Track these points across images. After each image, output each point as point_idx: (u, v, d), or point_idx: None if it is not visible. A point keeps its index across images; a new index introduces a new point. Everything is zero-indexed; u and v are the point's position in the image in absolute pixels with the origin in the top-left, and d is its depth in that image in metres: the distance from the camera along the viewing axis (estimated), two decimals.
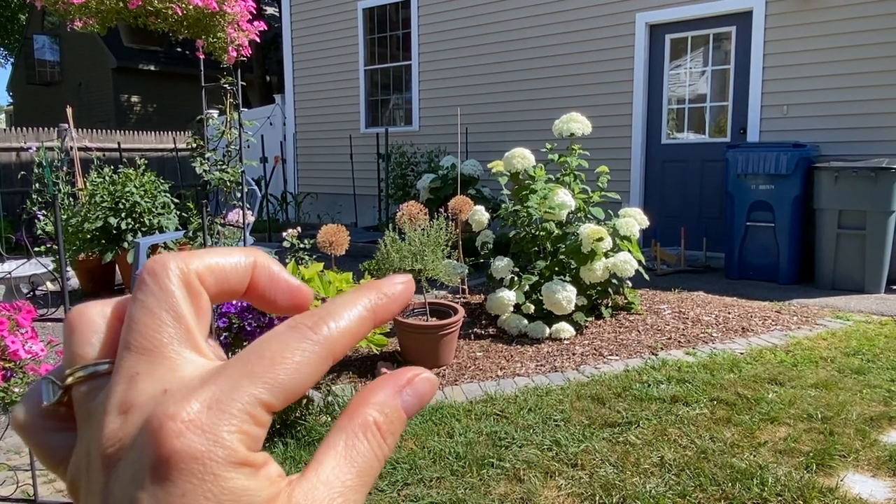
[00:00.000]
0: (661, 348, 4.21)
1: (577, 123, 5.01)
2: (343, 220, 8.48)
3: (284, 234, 4.49)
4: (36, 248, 5.92)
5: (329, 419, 3.31)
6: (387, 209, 9.03)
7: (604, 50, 7.54)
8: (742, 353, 4.06)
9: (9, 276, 3.04)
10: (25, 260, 4.16)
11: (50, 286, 5.90)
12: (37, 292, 5.73)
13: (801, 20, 6.36)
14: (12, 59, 27.30)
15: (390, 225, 4.47)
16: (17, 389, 2.28)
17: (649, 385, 3.58)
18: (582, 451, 2.90)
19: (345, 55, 10.17)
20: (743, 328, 4.55)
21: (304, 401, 3.38)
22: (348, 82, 10.18)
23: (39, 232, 6.22)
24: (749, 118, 6.71)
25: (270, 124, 11.42)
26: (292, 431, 3.18)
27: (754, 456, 2.81)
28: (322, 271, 3.35)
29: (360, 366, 4.12)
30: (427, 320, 4.12)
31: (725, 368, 3.78)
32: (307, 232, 5.30)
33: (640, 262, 4.72)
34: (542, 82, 8.04)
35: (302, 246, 4.41)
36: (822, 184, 5.59)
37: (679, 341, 4.33)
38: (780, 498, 2.50)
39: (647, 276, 5.17)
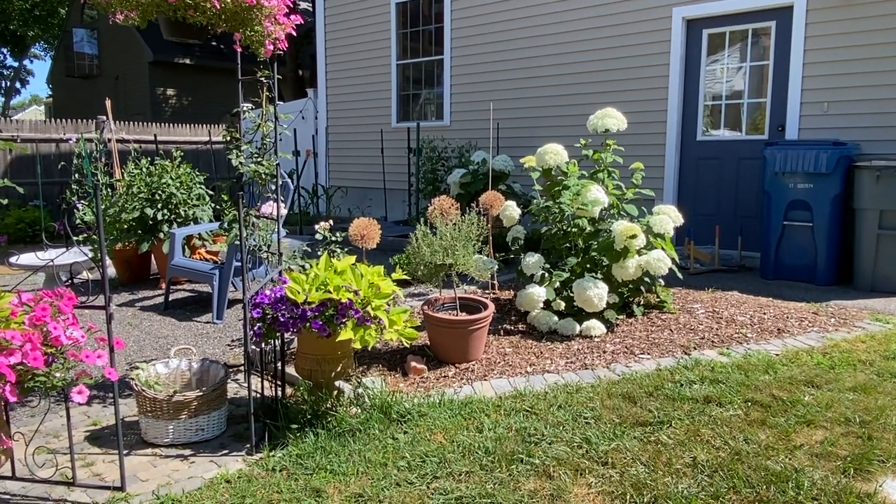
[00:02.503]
0: (694, 348, 4.15)
1: (613, 119, 4.96)
2: (373, 214, 8.53)
3: (316, 226, 4.53)
4: (75, 238, 6.05)
5: (359, 410, 3.33)
6: (417, 204, 9.05)
7: (639, 45, 7.44)
8: (777, 355, 3.98)
9: (51, 263, 3.11)
10: (65, 249, 4.26)
11: (87, 274, 6.03)
12: (75, 280, 5.86)
13: (843, 15, 6.20)
14: (52, 53, 27.93)
15: (421, 219, 4.48)
16: (58, 374, 2.34)
17: (682, 385, 3.54)
18: (612, 449, 2.88)
19: (377, 50, 10.20)
20: (778, 329, 4.47)
21: (336, 392, 3.41)
22: (380, 77, 10.22)
23: (78, 221, 6.36)
24: (788, 115, 6.58)
25: (303, 118, 11.52)
26: (323, 422, 3.21)
27: (790, 459, 2.75)
28: (354, 264, 3.37)
29: (389, 359, 4.14)
30: (457, 315, 4.12)
31: (760, 369, 3.72)
32: (338, 225, 5.34)
33: (673, 260, 4.66)
34: (576, 77, 7.97)
35: (334, 239, 4.45)
36: (862, 183, 5.46)
37: (712, 341, 4.27)
38: (816, 502, 2.46)
39: (680, 275, 5.10)
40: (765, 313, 4.78)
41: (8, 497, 2.72)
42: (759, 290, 5.54)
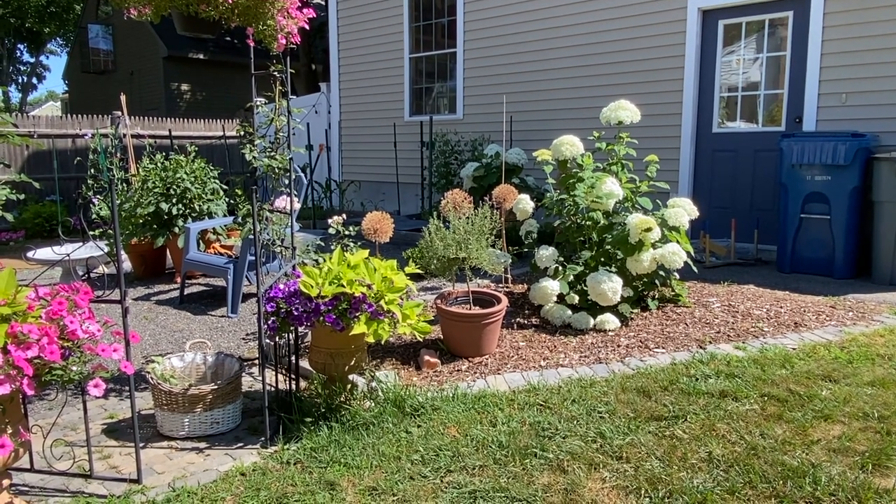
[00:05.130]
0: (710, 342, 4.12)
1: (626, 111, 4.92)
2: (386, 208, 8.52)
3: (330, 220, 4.54)
4: (91, 232, 6.10)
5: (372, 404, 3.33)
6: (430, 197, 9.05)
7: (654, 36, 7.37)
8: (794, 349, 3.94)
9: (67, 258, 3.14)
10: (82, 243, 4.29)
11: (103, 269, 6.08)
12: (91, 275, 5.91)
13: (861, 4, 6.10)
14: (68, 49, 28.16)
15: (434, 213, 4.47)
16: (75, 368, 2.36)
17: (697, 379, 3.51)
18: (627, 443, 2.87)
19: (389, 43, 10.18)
20: (795, 323, 4.42)
21: (349, 386, 3.42)
22: (393, 70, 10.20)
23: (94, 216, 6.41)
24: (805, 106, 6.49)
25: (316, 112, 11.54)
26: (337, 416, 3.22)
27: (807, 454, 2.73)
28: (367, 258, 3.37)
29: (403, 353, 4.14)
30: (470, 309, 4.11)
31: (777, 364, 3.68)
32: (351, 219, 5.35)
33: (688, 253, 4.62)
34: (589, 69, 7.91)
35: (347, 233, 4.45)
36: (881, 175, 5.38)
37: (728, 335, 4.23)
38: (833, 498, 2.43)
39: (695, 269, 5.06)
40: (781, 307, 4.73)
41: (27, 489, 2.75)
42: (775, 284, 5.49)
